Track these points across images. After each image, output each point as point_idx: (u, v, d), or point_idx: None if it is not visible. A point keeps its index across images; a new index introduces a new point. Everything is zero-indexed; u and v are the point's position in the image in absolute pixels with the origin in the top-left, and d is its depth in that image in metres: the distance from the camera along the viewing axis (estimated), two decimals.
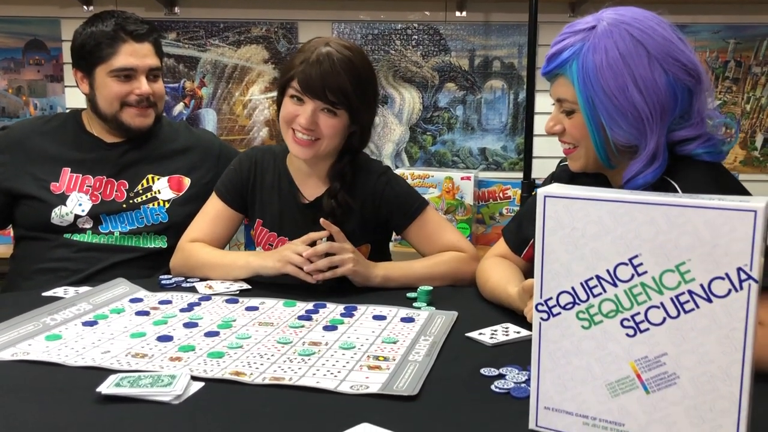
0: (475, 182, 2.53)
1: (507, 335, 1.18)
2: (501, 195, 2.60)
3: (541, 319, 0.82)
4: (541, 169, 2.44)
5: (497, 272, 1.42)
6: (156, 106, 1.78)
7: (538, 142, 2.38)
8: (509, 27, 2.64)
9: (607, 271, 0.77)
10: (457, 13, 2.63)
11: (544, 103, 2.54)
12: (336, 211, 1.57)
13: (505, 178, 2.66)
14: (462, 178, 2.52)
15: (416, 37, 2.66)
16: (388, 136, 2.72)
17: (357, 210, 1.60)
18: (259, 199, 1.66)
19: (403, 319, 1.27)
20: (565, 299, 0.80)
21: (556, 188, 0.83)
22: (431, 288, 1.41)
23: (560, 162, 1.48)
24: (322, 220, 1.46)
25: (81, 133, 1.78)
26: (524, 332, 1.17)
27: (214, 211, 1.66)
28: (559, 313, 0.81)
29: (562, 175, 1.42)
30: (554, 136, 1.30)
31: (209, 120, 2.68)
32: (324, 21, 2.64)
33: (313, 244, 1.46)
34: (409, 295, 1.43)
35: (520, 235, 1.49)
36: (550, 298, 0.81)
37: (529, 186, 2.30)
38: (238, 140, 2.68)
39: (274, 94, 2.65)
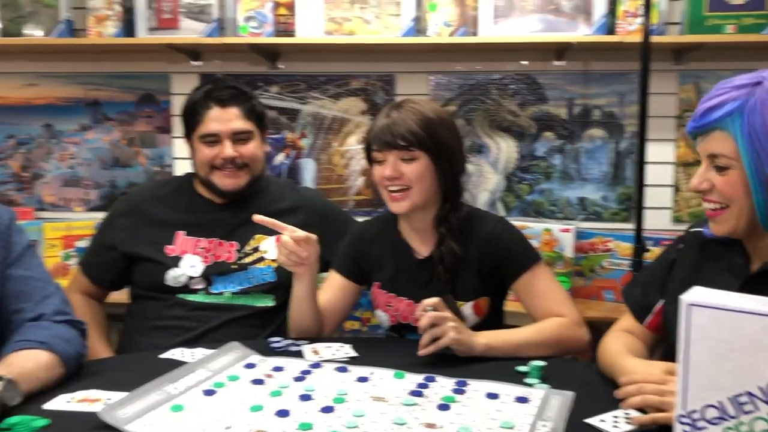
0: (574, 234, 2.47)
1: (630, 423, 1.13)
2: (601, 247, 2.53)
3: None
4: (651, 220, 2.36)
5: (616, 346, 1.38)
6: (248, 167, 1.82)
7: (649, 192, 2.29)
8: (610, 76, 2.59)
9: (761, 388, 0.73)
10: (556, 62, 2.60)
11: (655, 152, 2.47)
12: (446, 258, 1.60)
13: (606, 229, 2.58)
14: (561, 230, 2.46)
15: (513, 86, 2.65)
16: (483, 185, 2.70)
17: (474, 260, 1.62)
18: (375, 264, 1.71)
19: (518, 399, 1.24)
20: (711, 414, 0.76)
21: (701, 295, 0.79)
22: (544, 363, 1.37)
23: (690, 227, 1.43)
24: (423, 302, 1.46)
25: (193, 196, 1.86)
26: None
27: (332, 281, 1.72)
28: (705, 428, 0.77)
29: (693, 241, 1.37)
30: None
31: (308, 170, 2.74)
32: (420, 73, 2.67)
33: None
34: (519, 368, 1.40)
35: (644, 302, 1.44)
36: (695, 411, 0.78)
37: (641, 250, 2.22)
38: (335, 189, 2.72)
39: None
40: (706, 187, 1.23)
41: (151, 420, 1.14)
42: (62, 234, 2.65)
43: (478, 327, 1.56)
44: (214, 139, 1.77)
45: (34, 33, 2.58)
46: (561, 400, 1.23)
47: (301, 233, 1.52)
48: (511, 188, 2.71)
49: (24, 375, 1.21)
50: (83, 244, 2.58)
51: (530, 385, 1.31)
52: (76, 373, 1.36)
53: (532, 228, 2.48)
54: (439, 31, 2.45)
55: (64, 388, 1.28)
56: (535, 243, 2.44)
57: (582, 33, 2.44)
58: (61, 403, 1.22)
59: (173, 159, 2.78)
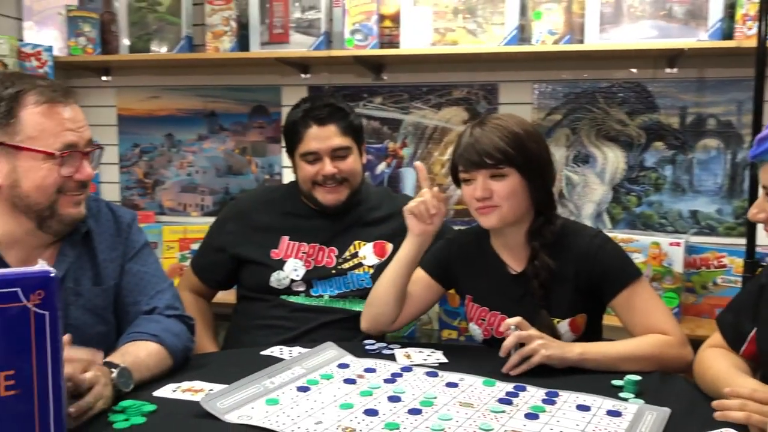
0: (685, 248, 2.36)
1: None
2: (715, 263, 2.40)
3: None
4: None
5: (721, 362, 1.32)
6: (348, 182, 1.86)
7: None
8: (727, 83, 2.46)
9: None
10: (668, 70, 2.50)
11: None
12: (541, 273, 1.56)
13: (721, 244, 2.45)
14: (670, 244, 2.36)
15: (622, 95, 2.57)
16: (589, 196, 2.64)
17: (570, 275, 1.57)
18: (467, 276, 1.70)
19: (610, 413, 1.21)
20: None
21: None
22: (640, 378, 1.33)
23: None
24: (505, 323, 1.44)
25: (297, 203, 1.93)
26: None
27: (417, 277, 1.72)
28: None
29: None
30: None
31: (409, 178, 2.78)
32: (525, 82, 2.65)
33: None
34: (614, 382, 1.36)
35: (738, 329, 1.36)
36: None
37: (752, 265, 2.10)
38: None
39: None
40: (762, 218, 1.19)
41: (247, 411, 1.20)
42: (179, 237, 2.83)
43: None
44: (314, 157, 1.83)
45: (159, 49, 2.78)
46: (655, 417, 1.19)
47: (441, 194, 1.62)
48: (619, 200, 2.62)
49: (136, 364, 1.31)
50: (197, 246, 2.74)
51: (624, 400, 1.28)
52: (183, 365, 1.46)
53: (639, 241, 2.39)
54: (543, 39, 2.43)
55: (172, 378, 1.38)
56: (641, 257, 2.36)
57: (696, 39, 2.34)
58: (168, 391, 1.31)
59: (282, 167, 2.89)
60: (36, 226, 1.37)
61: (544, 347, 1.41)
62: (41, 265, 0.90)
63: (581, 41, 2.42)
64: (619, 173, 2.62)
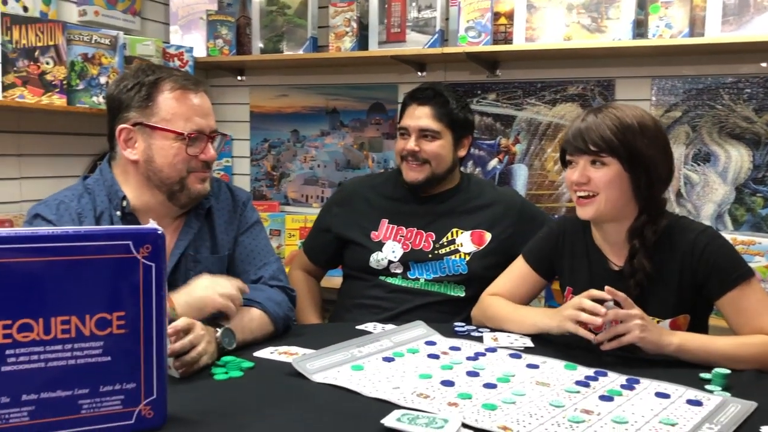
0: None
1: None
2: None
3: None
4: None
5: None
6: (429, 164, 1.94)
7: None
8: None
9: None
10: None
11: None
12: (637, 273, 1.54)
13: None
14: None
15: (749, 90, 2.44)
16: (709, 196, 2.52)
17: (674, 274, 1.53)
18: (569, 267, 1.69)
19: (690, 401, 1.19)
20: None
21: None
22: (729, 371, 1.29)
23: None
24: (607, 287, 1.44)
25: (399, 187, 2.03)
26: None
27: (519, 272, 1.74)
28: None
29: None
30: None
31: (520, 175, 2.79)
32: (643, 78, 2.58)
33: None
34: (702, 375, 1.33)
35: None
36: None
37: None
38: (547, 195, 2.73)
39: None
40: None
41: (333, 374, 1.30)
42: (300, 226, 3.01)
43: None
44: (405, 132, 1.97)
45: (288, 50, 2.98)
46: (739, 408, 1.15)
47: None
48: (742, 200, 2.49)
49: (239, 326, 1.45)
50: None
51: (710, 392, 1.25)
52: (284, 332, 1.59)
53: (762, 244, 2.27)
54: (660, 33, 2.36)
55: (272, 342, 1.51)
56: (763, 260, 2.24)
57: None
58: (266, 353, 1.44)
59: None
60: (167, 198, 1.56)
61: (640, 328, 1.39)
62: (152, 224, 1.04)
63: (702, 35, 2.33)
64: (743, 173, 2.49)
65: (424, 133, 1.94)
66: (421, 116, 1.94)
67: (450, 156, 1.97)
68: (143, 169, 1.53)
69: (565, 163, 1.62)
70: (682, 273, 1.52)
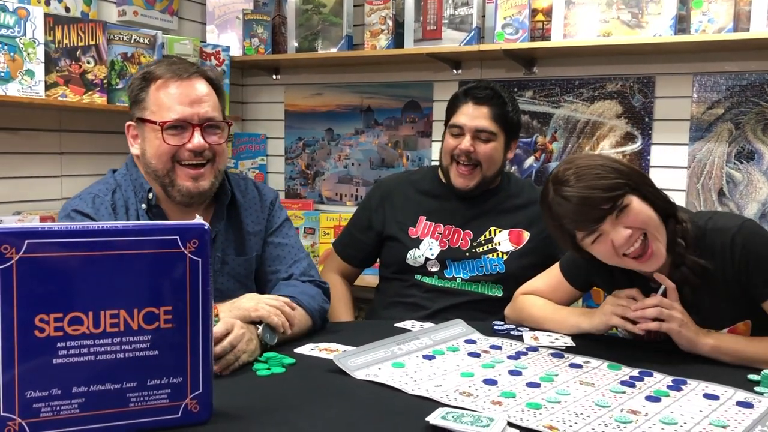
0: None
1: None
2: None
3: None
4: None
5: None
6: (480, 167, 1.88)
7: None
8: None
9: None
10: None
11: None
12: (690, 277, 1.45)
13: None
14: None
15: None
16: (753, 195, 2.47)
17: (717, 281, 1.45)
18: (608, 288, 1.60)
19: (740, 403, 1.17)
20: None
21: None
22: None
23: None
24: (656, 274, 1.41)
25: (437, 184, 2.01)
26: None
27: (556, 280, 1.68)
28: None
29: None
30: None
31: None
32: (684, 74, 2.53)
33: None
34: (750, 377, 1.30)
35: None
36: None
37: None
38: None
39: (626, 148, 2.62)
40: None
41: (374, 371, 1.29)
42: (334, 224, 3.02)
43: None
44: (458, 131, 1.90)
45: (323, 49, 2.98)
46: None
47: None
48: None
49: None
50: None
51: (760, 394, 1.22)
52: (322, 327, 1.59)
53: None
54: (703, 28, 2.32)
55: (311, 338, 1.51)
56: None
57: None
58: (307, 349, 1.44)
59: (431, 161, 2.99)
60: (164, 192, 1.56)
61: (678, 322, 1.39)
62: (198, 219, 1.04)
63: (747, 30, 2.28)
64: None
65: (479, 134, 1.88)
66: (478, 116, 1.88)
67: (500, 159, 1.93)
68: (142, 162, 1.56)
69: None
70: (725, 279, 1.45)
